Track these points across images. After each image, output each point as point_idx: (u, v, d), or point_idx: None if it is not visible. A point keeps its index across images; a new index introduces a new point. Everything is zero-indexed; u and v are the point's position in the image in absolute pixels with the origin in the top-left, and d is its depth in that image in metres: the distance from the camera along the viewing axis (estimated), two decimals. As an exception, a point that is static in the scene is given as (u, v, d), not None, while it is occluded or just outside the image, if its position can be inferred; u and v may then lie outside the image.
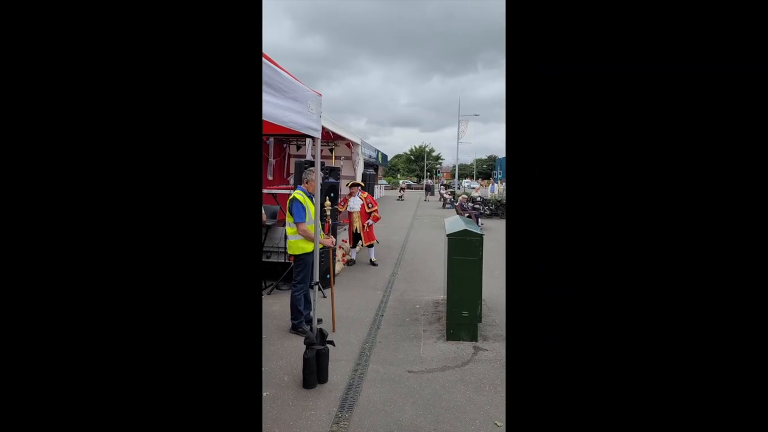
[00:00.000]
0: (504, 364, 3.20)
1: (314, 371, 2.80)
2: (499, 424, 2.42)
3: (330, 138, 7.39)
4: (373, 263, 6.45)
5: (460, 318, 3.61)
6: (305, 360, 2.79)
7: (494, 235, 9.83)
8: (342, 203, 6.45)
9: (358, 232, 6.39)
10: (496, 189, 16.16)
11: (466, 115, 27.71)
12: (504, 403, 2.65)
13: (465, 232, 3.60)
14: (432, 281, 5.58)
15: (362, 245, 6.53)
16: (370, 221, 6.43)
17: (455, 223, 4.05)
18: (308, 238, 3.52)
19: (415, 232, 10.51)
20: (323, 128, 6.04)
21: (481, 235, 3.63)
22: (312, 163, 4.63)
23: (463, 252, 3.60)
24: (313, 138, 3.17)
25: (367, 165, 11.82)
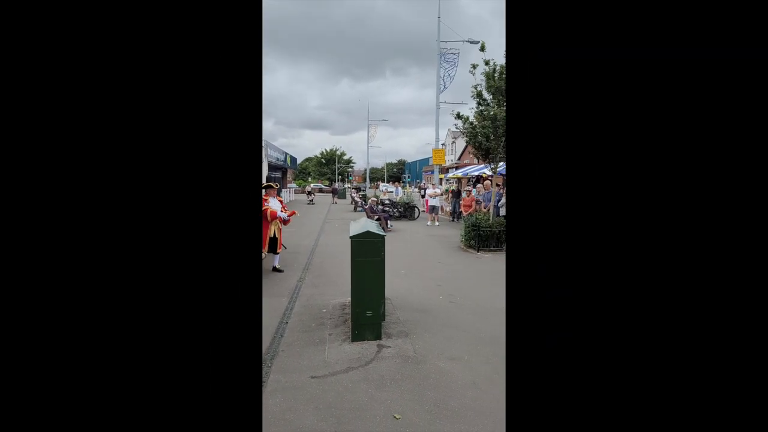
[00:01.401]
0: (406, 358, 3.33)
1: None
2: (398, 416, 2.51)
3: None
4: (277, 270, 6.22)
5: (365, 318, 3.66)
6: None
7: (402, 236, 10.21)
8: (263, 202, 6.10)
9: (275, 236, 6.11)
10: (401, 192, 16.80)
11: (376, 120, 28.43)
12: (405, 397, 2.76)
13: (367, 233, 3.67)
14: (340, 284, 5.58)
15: (276, 250, 6.23)
16: (283, 216, 6.19)
17: (358, 225, 4.11)
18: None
19: (326, 235, 10.43)
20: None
21: (383, 236, 3.73)
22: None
23: (366, 253, 3.66)
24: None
25: (273, 168, 11.39)
